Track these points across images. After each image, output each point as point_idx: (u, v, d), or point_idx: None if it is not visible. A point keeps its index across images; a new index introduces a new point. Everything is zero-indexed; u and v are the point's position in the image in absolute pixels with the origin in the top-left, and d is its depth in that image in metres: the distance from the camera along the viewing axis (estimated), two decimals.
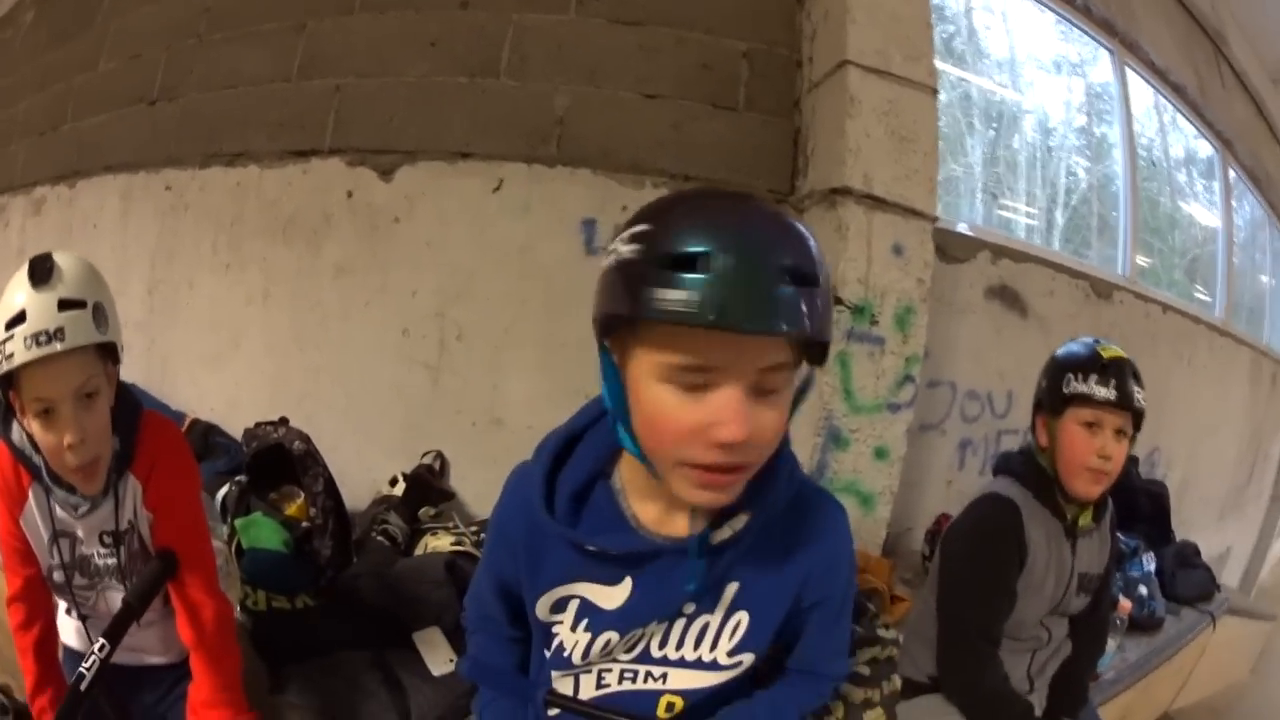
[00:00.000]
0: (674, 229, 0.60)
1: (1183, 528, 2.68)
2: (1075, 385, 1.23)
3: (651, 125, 2.31)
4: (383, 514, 2.20)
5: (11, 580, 1.15)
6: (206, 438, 2.43)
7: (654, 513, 0.75)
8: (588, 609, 0.78)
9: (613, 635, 0.77)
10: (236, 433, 2.26)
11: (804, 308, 0.59)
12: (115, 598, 1.14)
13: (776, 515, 0.75)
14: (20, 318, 0.94)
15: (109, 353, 1.02)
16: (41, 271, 0.94)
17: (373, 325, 2.20)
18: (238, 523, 1.90)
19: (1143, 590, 2.17)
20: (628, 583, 0.76)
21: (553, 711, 0.83)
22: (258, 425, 2.17)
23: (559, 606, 0.79)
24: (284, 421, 2.15)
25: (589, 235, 2.18)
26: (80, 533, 1.10)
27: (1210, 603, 2.41)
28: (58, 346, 0.93)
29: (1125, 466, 1.25)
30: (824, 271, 0.61)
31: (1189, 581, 2.39)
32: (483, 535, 2.09)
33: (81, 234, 2.84)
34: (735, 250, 0.58)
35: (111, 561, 1.12)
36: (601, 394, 0.71)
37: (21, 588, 1.15)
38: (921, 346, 2.03)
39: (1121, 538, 2.22)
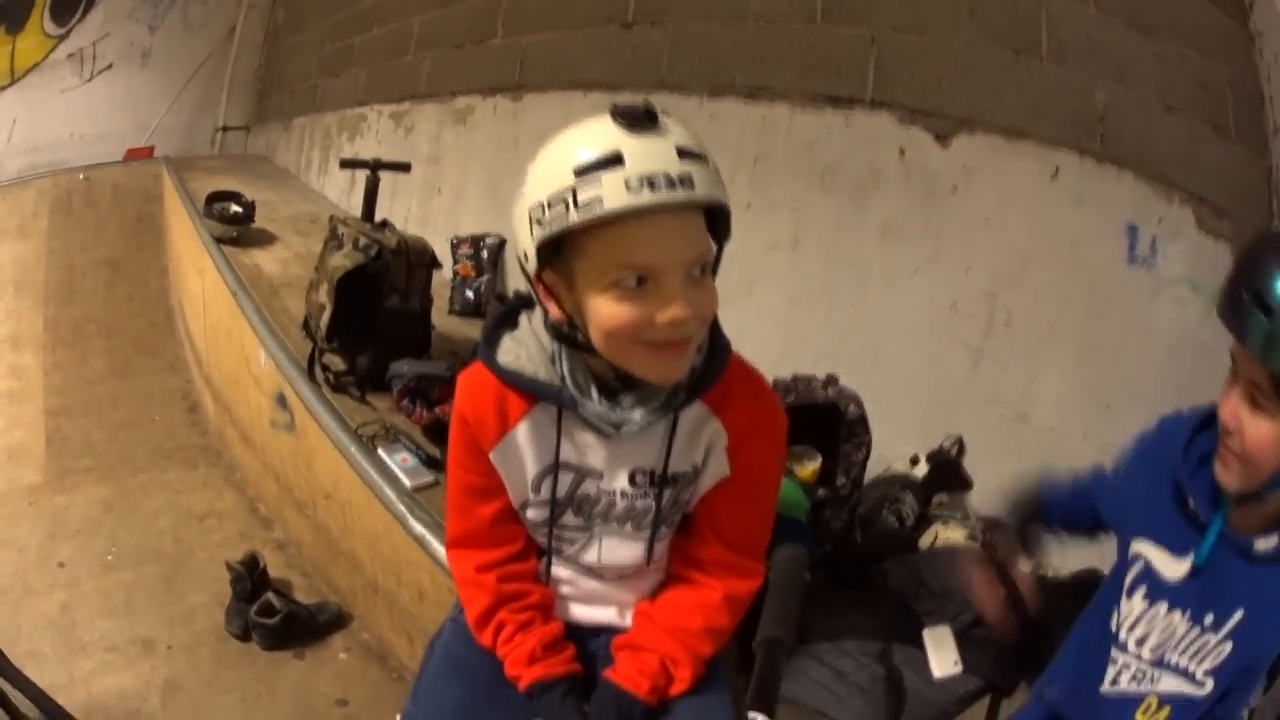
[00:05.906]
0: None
1: None
2: None
3: (1171, 138, 2.24)
4: (897, 493, 2.09)
5: (457, 523, 0.98)
6: None
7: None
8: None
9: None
10: None
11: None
12: (617, 547, 0.95)
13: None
14: (615, 160, 0.71)
15: (715, 231, 0.80)
16: (641, 117, 0.73)
17: (919, 295, 2.09)
18: None
19: None
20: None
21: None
22: (794, 378, 2.04)
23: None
24: (833, 380, 2.03)
25: (1132, 242, 2.08)
26: (597, 465, 0.92)
27: None
28: (683, 194, 0.71)
29: None
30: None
31: None
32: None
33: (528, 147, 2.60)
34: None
35: (641, 504, 0.92)
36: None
37: (472, 529, 0.97)
38: None
39: None
